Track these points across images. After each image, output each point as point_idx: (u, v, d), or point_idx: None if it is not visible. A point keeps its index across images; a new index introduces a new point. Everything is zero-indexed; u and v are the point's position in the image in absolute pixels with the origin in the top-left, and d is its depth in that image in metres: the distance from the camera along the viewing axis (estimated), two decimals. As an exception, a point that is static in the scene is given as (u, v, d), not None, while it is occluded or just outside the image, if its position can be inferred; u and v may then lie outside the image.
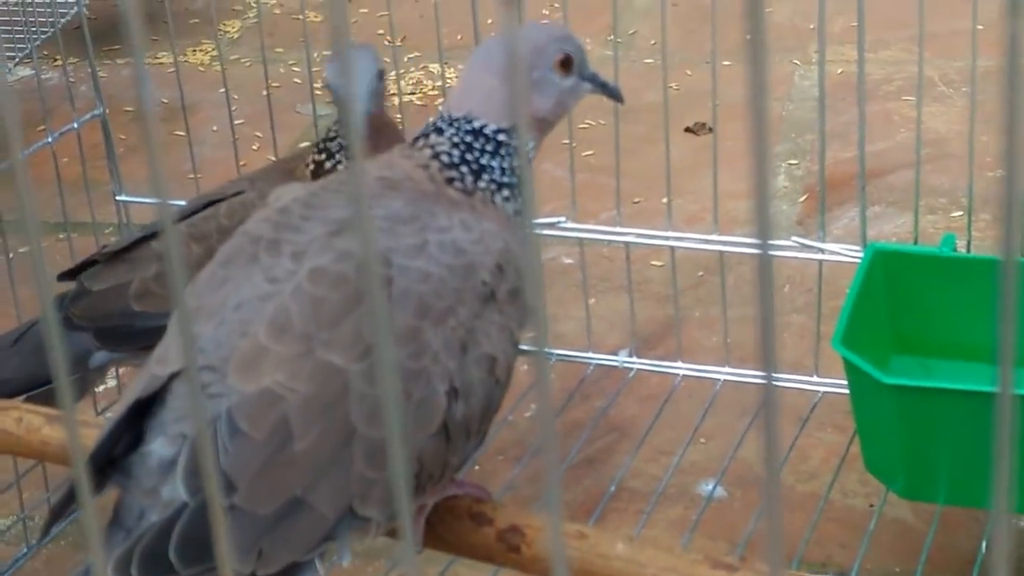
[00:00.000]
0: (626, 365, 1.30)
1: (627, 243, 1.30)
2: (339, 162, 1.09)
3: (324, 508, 0.71)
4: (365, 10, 2.43)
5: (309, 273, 0.76)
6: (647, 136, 1.87)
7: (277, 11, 2.57)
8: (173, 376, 0.74)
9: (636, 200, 1.85)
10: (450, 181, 0.84)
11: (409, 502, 0.38)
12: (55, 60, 2.30)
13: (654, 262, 1.76)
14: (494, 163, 0.84)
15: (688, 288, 1.65)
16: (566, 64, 0.89)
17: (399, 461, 0.36)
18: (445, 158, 0.84)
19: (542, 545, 0.82)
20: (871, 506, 1.30)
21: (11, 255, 1.79)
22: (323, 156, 1.11)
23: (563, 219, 1.29)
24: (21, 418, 0.89)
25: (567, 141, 2.06)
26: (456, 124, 0.85)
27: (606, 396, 1.45)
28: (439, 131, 0.85)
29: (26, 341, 1.14)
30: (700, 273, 1.71)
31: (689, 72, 2.18)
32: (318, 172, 1.10)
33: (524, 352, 0.82)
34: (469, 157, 0.84)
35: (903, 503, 1.24)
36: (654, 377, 1.48)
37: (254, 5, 2.50)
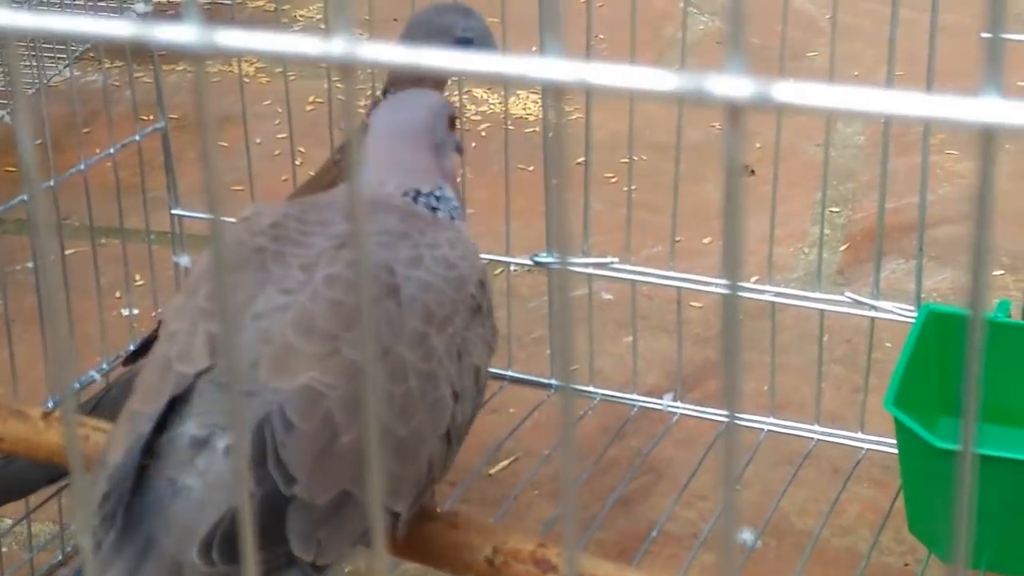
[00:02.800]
0: (670, 409, 1.31)
1: (679, 288, 1.30)
2: None
3: (366, 501, 0.75)
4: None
5: (324, 279, 0.79)
6: (689, 174, 1.88)
7: (323, 26, 2.58)
8: (198, 374, 0.77)
9: (678, 239, 1.85)
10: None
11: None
12: (100, 63, 2.31)
13: (693, 303, 1.77)
14: (441, 206, 0.91)
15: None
16: (452, 123, 0.97)
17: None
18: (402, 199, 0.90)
19: (606, 596, 0.82)
20: (906, 565, 1.30)
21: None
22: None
23: (615, 260, 1.29)
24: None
25: (609, 175, 2.07)
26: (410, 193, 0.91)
27: (642, 436, 1.46)
28: None
29: None
30: (739, 316, 1.71)
31: (732, 113, 2.19)
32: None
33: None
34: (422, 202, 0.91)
35: (942, 566, 1.25)
36: (692, 419, 1.48)
37: (299, 19, 2.52)
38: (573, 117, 2.15)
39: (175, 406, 0.76)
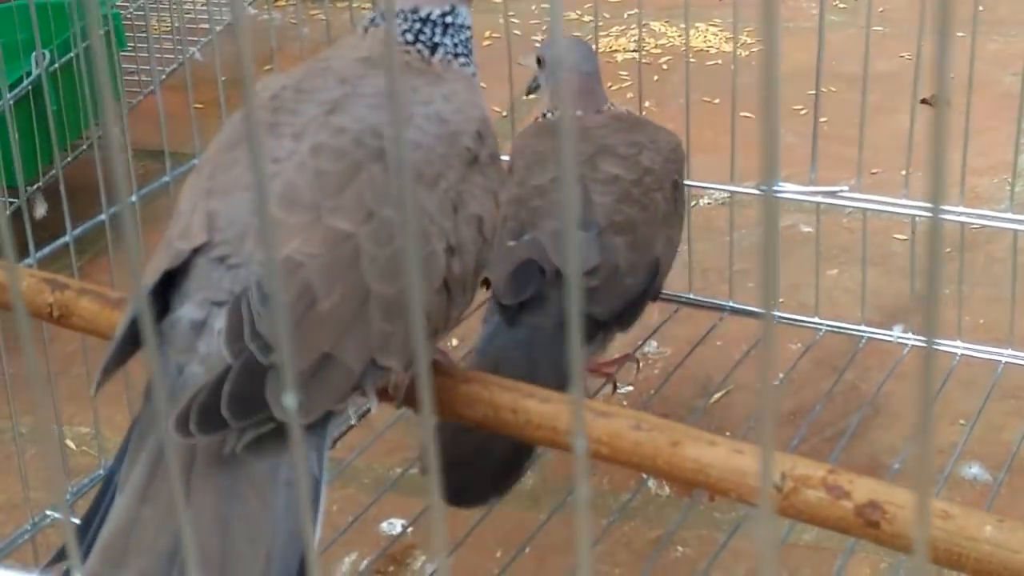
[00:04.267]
0: (901, 341, 1.28)
1: (913, 216, 1.27)
2: None
3: (351, 361, 0.76)
4: (581, -36, 2.40)
5: (310, 149, 0.81)
6: (880, 105, 1.84)
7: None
8: (195, 251, 0.79)
9: (874, 171, 1.82)
10: (408, 54, 0.91)
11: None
12: (277, 2, 2.32)
13: (896, 235, 1.73)
14: (446, 39, 0.90)
15: (934, 264, 1.62)
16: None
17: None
18: (401, 39, 0.90)
19: (903, 523, 0.80)
20: None
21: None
22: None
23: (846, 188, 1.26)
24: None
25: (799, 107, 2.03)
26: (403, 15, 0.91)
27: (857, 368, 1.43)
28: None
29: None
30: (948, 250, 1.67)
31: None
32: None
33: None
34: (423, 38, 0.90)
35: None
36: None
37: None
38: (756, 50, 2.11)
39: (176, 285, 0.78)
